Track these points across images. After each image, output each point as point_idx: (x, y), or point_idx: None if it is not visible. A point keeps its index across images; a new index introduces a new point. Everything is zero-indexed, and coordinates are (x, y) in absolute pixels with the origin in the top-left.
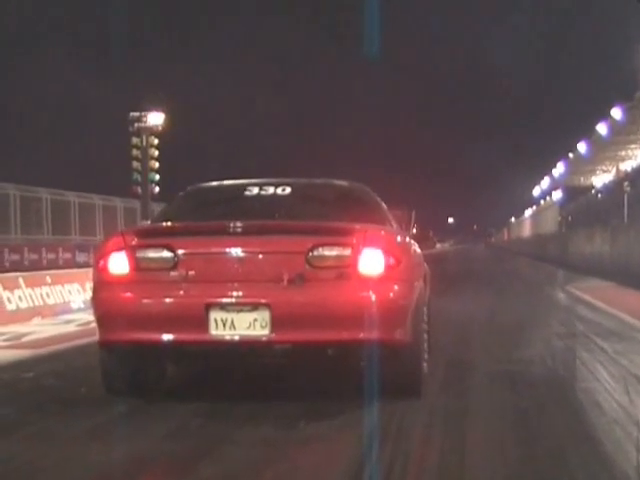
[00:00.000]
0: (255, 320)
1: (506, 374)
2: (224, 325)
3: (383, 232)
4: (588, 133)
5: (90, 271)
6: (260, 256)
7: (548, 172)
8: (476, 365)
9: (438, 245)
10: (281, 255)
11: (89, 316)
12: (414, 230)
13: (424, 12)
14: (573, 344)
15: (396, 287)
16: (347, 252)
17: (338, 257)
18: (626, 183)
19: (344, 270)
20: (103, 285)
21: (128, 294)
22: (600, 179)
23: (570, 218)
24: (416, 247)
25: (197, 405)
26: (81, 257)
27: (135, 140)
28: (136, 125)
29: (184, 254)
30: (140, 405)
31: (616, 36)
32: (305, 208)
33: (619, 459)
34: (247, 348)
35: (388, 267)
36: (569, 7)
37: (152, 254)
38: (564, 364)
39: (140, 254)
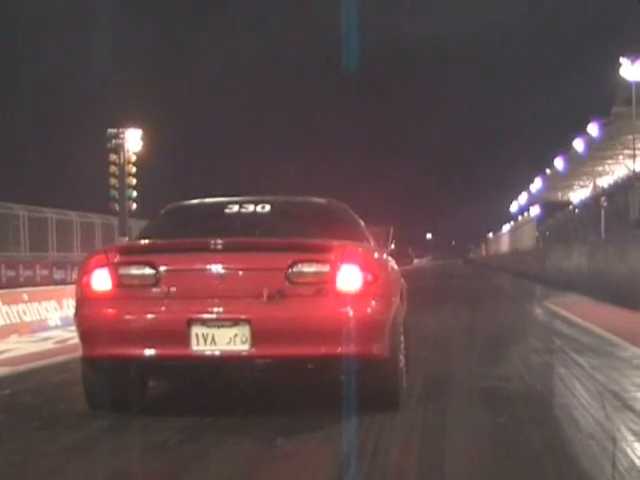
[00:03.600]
0: (235, 335)
1: (484, 390)
2: (205, 340)
3: (361, 249)
4: (565, 149)
5: (67, 288)
6: (240, 272)
7: (525, 188)
8: (454, 381)
9: (416, 261)
10: (261, 271)
11: (66, 333)
12: (392, 246)
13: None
14: (550, 360)
15: (373, 303)
16: (326, 268)
17: (317, 273)
18: (603, 198)
19: (323, 286)
20: (86, 301)
21: (111, 310)
22: (577, 195)
23: (547, 234)
24: (393, 263)
25: (177, 420)
26: (58, 274)
27: (113, 157)
28: (114, 142)
29: (166, 271)
30: (120, 421)
31: (593, 52)
32: (284, 226)
33: (595, 474)
34: (228, 363)
35: (366, 283)
36: (546, 23)
37: (134, 271)
38: (541, 380)
39: (122, 271)
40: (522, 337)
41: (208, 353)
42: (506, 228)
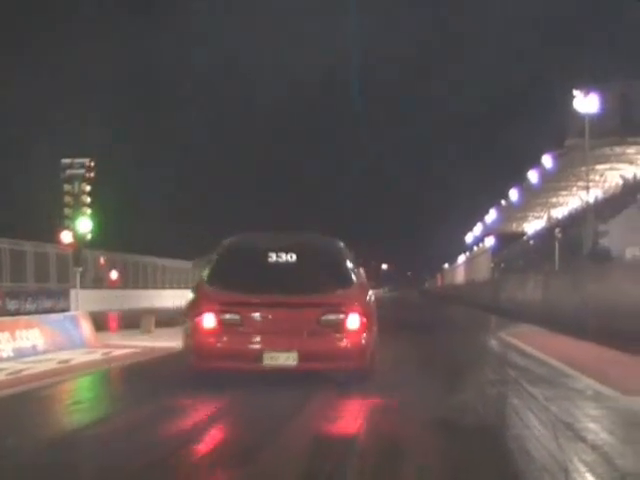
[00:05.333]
0: (288, 357)
1: (438, 421)
2: (271, 359)
3: (358, 303)
4: (520, 180)
5: (21, 319)
6: (291, 320)
7: (480, 219)
8: (409, 412)
9: (371, 292)
10: (303, 319)
11: (19, 365)
12: None
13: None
14: (505, 391)
15: (365, 335)
16: (341, 317)
17: (337, 320)
18: (557, 229)
19: (339, 327)
20: (199, 333)
21: (214, 340)
22: (532, 225)
23: (503, 264)
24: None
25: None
26: (12, 305)
27: (67, 187)
28: (67, 172)
29: (245, 317)
30: (69, 450)
31: (547, 86)
32: (309, 277)
33: None
34: (283, 372)
35: (362, 324)
36: (504, 56)
37: (228, 316)
38: (496, 411)
39: (221, 316)
40: (477, 368)
41: (273, 366)
42: (461, 259)
